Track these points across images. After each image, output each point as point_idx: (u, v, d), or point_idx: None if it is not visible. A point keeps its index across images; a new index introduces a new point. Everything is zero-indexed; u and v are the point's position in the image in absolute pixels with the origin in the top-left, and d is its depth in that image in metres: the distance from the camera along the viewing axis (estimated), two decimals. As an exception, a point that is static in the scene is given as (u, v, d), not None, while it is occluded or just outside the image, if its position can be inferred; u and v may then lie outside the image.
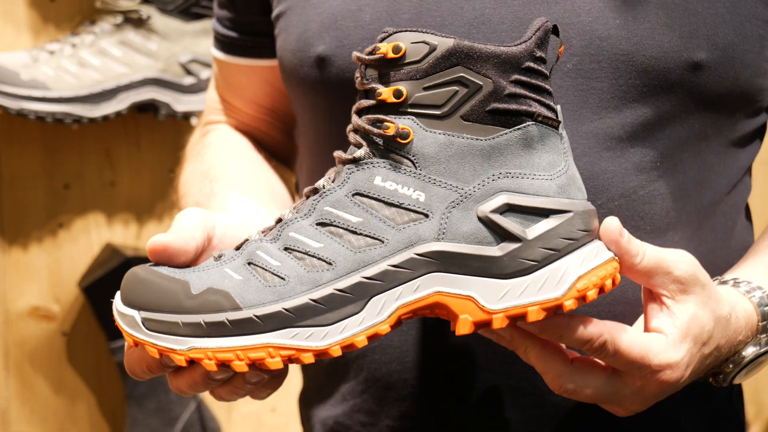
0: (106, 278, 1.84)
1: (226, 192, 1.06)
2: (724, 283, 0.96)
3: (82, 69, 1.77)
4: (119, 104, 1.80)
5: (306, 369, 1.15)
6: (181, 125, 1.92)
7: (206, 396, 1.96)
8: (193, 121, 1.86)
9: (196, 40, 1.84)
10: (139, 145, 1.92)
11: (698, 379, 0.94)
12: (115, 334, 1.85)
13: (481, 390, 1.01)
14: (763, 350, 0.95)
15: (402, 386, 1.03)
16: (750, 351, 0.94)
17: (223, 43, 1.20)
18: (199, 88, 1.85)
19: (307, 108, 1.07)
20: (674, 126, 0.98)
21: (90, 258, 1.91)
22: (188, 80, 1.84)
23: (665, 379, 0.87)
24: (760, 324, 0.94)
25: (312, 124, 1.08)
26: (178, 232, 0.86)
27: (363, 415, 1.06)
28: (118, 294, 0.84)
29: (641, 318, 0.93)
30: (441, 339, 1.02)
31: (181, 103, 1.84)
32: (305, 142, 1.11)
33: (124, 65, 1.79)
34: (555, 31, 0.86)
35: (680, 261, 0.87)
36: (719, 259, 1.02)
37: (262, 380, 0.85)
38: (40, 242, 1.89)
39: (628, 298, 0.98)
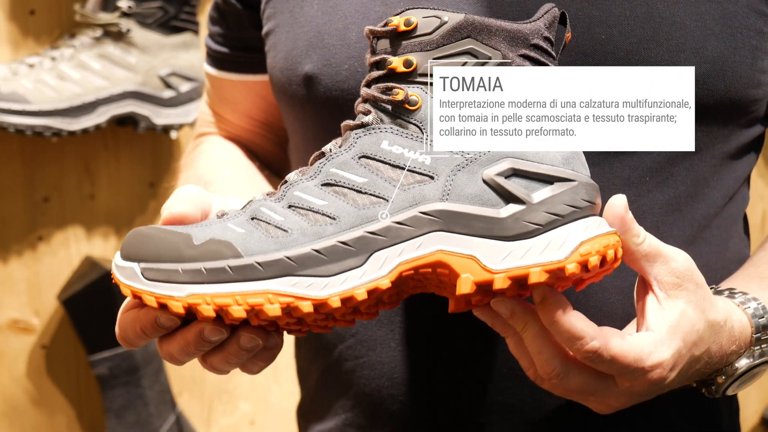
0: (85, 291, 1.84)
1: (222, 191, 1.06)
2: (719, 293, 0.95)
3: (62, 82, 1.77)
4: (98, 117, 1.79)
5: (303, 381, 1.15)
6: (160, 138, 1.92)
7: (185, 409, 1.96)
8: (173, 134, 1.86)
9: (176, 54, 1.84)
10: (119, 159, 1.92)
11: (688, 386, 0.94)
12: (95, 347, 1.85)
13: (470, 406, 1.01)
14: (756, 362, 0.94)
15: (391, 402, 1.03)
16: (743, 363, 0.93)
17: (216, 59, 1.19)
18: (178, 101, 1.85)
19: (297, 125, 1.08)
20: None
21: (69, 271, 1.91)
22: (167, 93, 1.84)
23: (653, 378, 0.86)
24: (753, 336, 0.93)
25: (302, 140, 1.08)
26: (187, 200, 0.86)
27: (354, 430, 1.05)
28: (117, 253, 0.83)
29: (628, 327, 0.93)
30: (430, 355, 1.02)
31: (160, 117, 1.84)
32: (296, 157, 1.11)
33: (103, 78, 1.79)
34: (563, 20, 0.87)
35: (678, 254, 0.87)
36: (714, 271, 1.01)
37: (257, 346, 0.83)
38: (20, 255, 1.89)
39: (604, 311, 0.97)
